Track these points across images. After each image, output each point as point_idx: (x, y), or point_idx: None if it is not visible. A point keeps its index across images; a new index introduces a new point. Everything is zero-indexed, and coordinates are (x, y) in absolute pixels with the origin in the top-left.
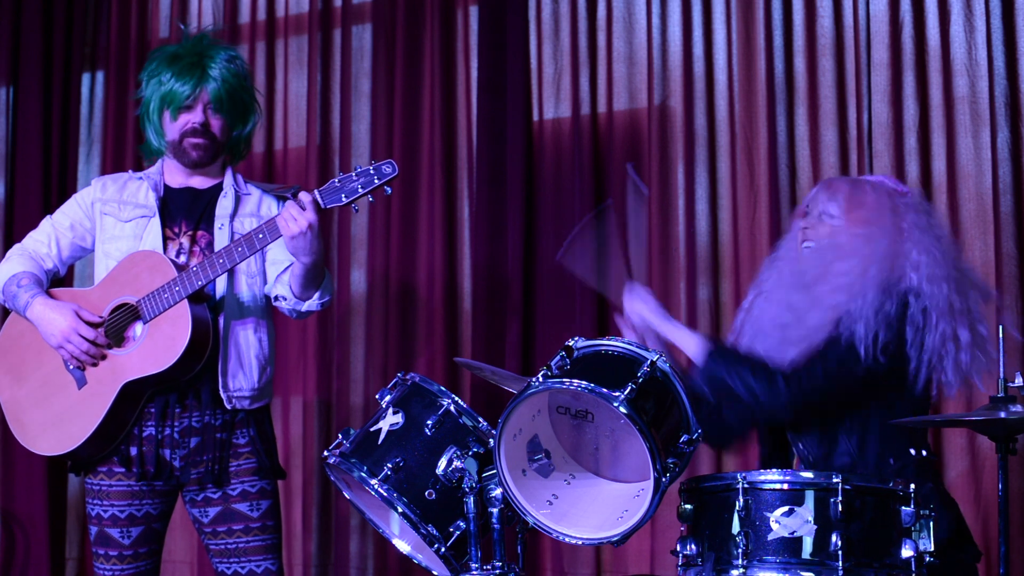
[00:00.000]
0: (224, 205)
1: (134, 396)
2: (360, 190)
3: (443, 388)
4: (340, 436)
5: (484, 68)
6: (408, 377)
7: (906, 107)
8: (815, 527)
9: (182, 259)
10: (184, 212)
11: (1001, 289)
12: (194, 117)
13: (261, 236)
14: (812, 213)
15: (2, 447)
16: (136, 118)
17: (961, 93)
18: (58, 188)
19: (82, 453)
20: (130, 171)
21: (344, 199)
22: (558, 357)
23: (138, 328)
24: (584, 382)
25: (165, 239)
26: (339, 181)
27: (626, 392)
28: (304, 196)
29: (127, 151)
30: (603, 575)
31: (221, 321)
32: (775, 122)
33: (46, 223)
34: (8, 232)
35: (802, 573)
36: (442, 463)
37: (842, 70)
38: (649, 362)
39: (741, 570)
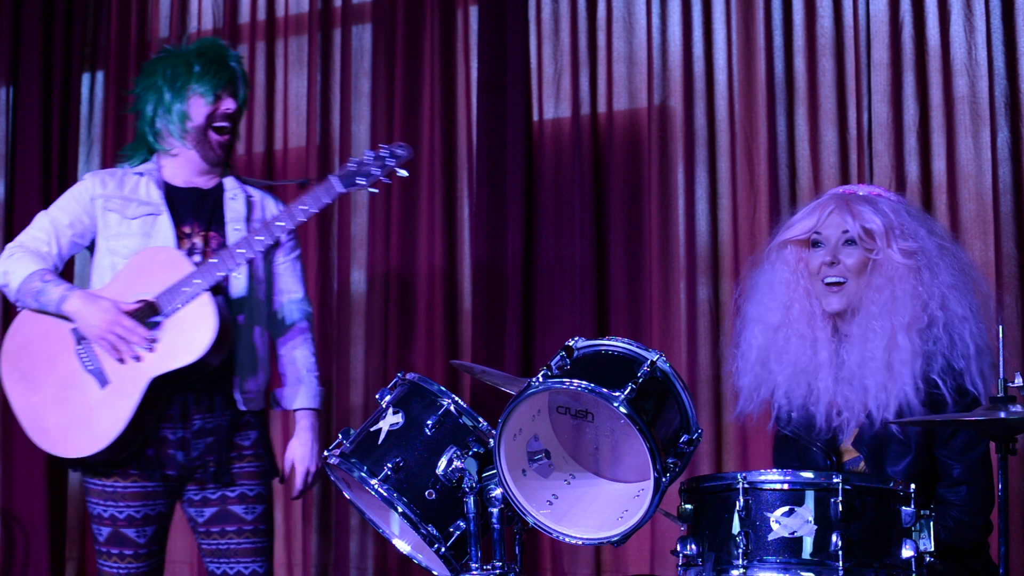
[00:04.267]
0: (235, 208)
1: (156, 394)
2: (376, 173)
3: (443, 388)
4: (340, 436)
5: (484, 68)
6: (408, 377)
7: (906, 107)
8: (815, 527)
9: (196, 259)
10: (193, 212)
11: (1001, 289)
12: (228, 105)
13: (280, 224)
14: (830, 241)
15: (2, 447)
16: (135, 116)
17: (961, 93)
18: (58, 188)
19: (109, 452)
20: (125, 166)
21: (361, 183)
22: (558, 357)
23: (159, 324)
24: (584, 382)
25: (178, 237)
26: (356, 165)
27: (626, 392)
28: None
29: None
30: (603, 575)
31: (241, 320)
32: (775, 122)
33: (43, 220)
34: (8, 232)
35: (802, 573)
36: (442, 463)
37: (842, 70)
38: (649, 362)
39: (741, 570)
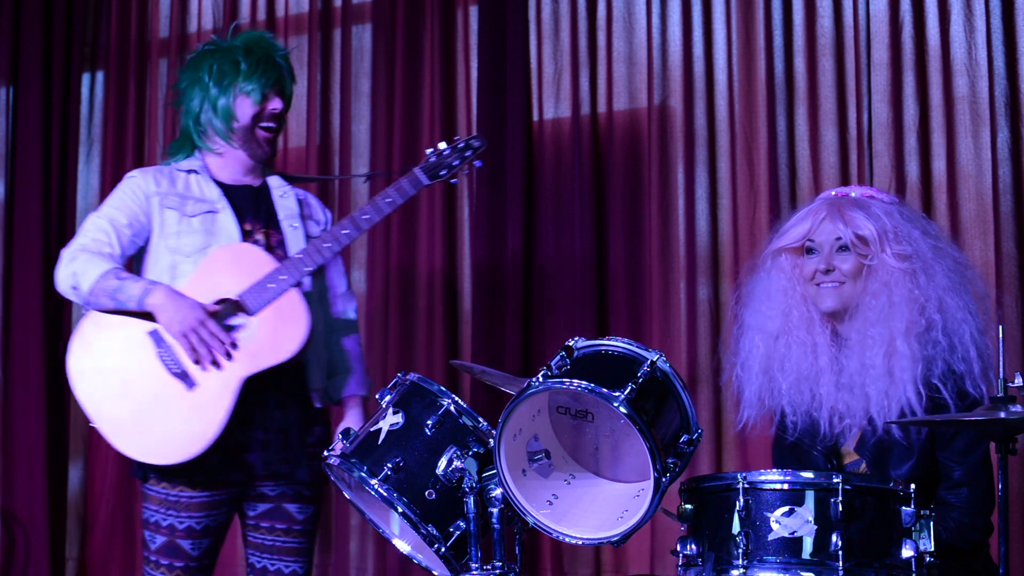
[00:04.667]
0: (286, 205)
1: (243, 393)
2: (456, 164)
3: (443, 388)
4: (340, 436)
5: (484, 68)
6: (408, 377)
7: (906, 107)
8: (815, 527)
9: None
10: (251, 209)
11: (1001, 289)
12: (275, 105)
13: (366, 217)
14: (823, 248)
15: (2, 447)
16: (136, 116)
17: (961, 93)
18: (58, 188)
19: (203, 456)
20: (171, 164)
21: (443, 174)
22: (558, 357)
23: (242, 323)
24: (584, 382)
25: (243, 234)
26: (436, 157)
27: (626, 392)
28: None
29: (127, 151)
30: (603, 575)
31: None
32: (775, 122)
33: (100, 221)
34: (8, 232)
35: (802, 573)
36: (442, 463)
37: (842, 70)
38: (649, 362)
39: (741, 570)
